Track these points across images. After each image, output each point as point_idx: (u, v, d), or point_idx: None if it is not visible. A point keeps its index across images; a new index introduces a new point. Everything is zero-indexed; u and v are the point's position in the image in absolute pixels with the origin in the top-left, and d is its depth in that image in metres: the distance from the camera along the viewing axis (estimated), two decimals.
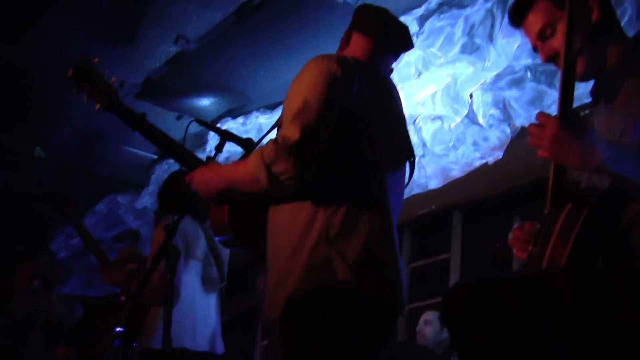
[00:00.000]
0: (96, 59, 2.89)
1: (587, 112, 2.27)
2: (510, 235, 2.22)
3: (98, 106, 2.84)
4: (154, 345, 3.69)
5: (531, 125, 1.90)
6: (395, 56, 2.67)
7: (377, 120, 2.42)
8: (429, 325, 5.58)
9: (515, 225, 2.28)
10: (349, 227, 2.24)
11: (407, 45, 2.69)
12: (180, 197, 3.59)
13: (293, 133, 2.21)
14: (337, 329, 2.19)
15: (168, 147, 2.89)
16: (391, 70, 2.68)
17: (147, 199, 7.35)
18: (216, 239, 2.69)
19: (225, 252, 4.19)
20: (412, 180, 2.69)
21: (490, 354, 1.74)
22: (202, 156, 3.35)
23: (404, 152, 2.58)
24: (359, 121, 2.35)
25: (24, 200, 7.70)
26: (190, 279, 3.91)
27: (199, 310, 3.94)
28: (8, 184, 7.46)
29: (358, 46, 2.58)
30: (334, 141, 2.29)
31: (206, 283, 4.01)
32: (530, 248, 2.02)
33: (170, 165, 6.99)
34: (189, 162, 2.90)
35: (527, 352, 1.72)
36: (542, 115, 1.89)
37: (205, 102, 6.15)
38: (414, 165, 2.63)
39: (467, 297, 1.80)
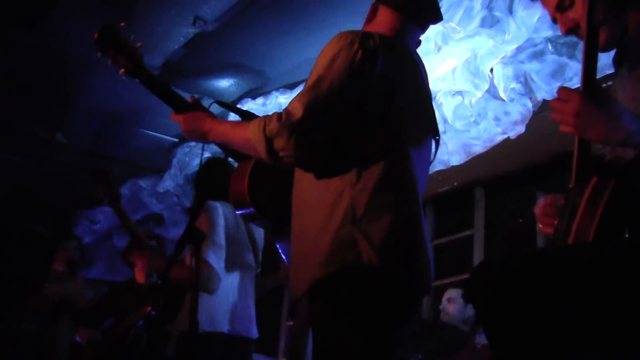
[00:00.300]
0: (122, 23, 2.86)
1: (609, 83, 2.24)
2: (536, 211, 2.20)
3: (122, 71, 2.79)
4: None
5: (554, 100, 1.87)
6: (423, 29, 2.63)
7: (402, 98, 2.39)
8: (453, 303, 5.57)
9: (540, 199, 2.26)
10: (375, 206, 2.23)
11: (436, 17, 2.65)
12: (215, 183, 3.59)
13: (297, 110, 2.21)
14: (363, 308, 2.19)
15: None
16: (419, 43, 2.64)
17: (169, 182, 7.37)
18: (237, 212, 2.69)
19: (261, 238, 4.20)
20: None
21: (517, 331, 1.73)
22: None
23: (429, 129, 2.56)
24: (383, 99, 2.33)
25: (47, 185, 7.76)
26: (224, 263, 3.93)
27: (237, 295, 3.96)
28: (30, 170, 7.52)
29: (385, 20, 2.55)
30: (357, 120, 2.27)
31: (240, 267, 4.02)
32: (555, 223, 2.00)
33: (192, 148, 7.00)
34: None
35: (553, 329, 1.71)
36: (564, 90, 1.86)
37: (224, 83, 6.14)
38: (439, 144, 2.61)
39: (494, 275, 1.78)
